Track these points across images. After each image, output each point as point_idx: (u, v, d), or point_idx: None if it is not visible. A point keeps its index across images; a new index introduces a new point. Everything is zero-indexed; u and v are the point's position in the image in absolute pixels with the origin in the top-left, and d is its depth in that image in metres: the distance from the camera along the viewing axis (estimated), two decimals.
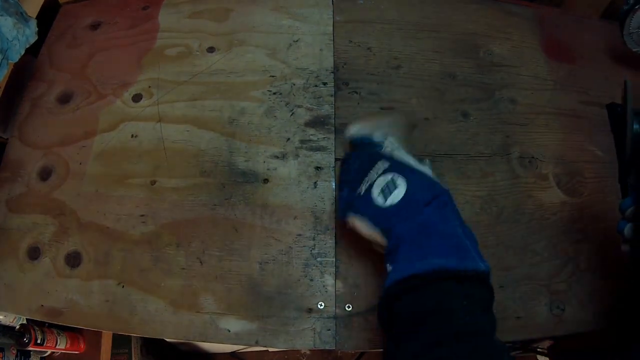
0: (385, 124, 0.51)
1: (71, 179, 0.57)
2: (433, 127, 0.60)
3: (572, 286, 0.53)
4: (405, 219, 0.39)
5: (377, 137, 0.48)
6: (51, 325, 0.96)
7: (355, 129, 0.49)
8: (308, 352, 1.28)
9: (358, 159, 0.46)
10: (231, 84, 0.62)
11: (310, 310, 0.50)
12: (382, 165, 0.43)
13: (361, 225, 0.43)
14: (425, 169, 0.44)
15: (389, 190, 0.41)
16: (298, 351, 1.27)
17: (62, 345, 0.97)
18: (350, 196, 0.44)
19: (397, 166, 0.42)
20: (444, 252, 0.36)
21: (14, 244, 0.54)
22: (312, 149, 0.57)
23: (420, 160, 0.47)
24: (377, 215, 0.41)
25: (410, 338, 0.35)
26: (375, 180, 0.42)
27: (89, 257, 0.53)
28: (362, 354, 1.15)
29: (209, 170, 0.56)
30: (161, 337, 0.52)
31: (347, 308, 0.50)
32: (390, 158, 0.44)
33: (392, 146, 0.46)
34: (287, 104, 0.60)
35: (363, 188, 0.43)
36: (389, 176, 0.41)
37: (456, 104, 0.62)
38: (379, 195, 0.41)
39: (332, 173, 0.56)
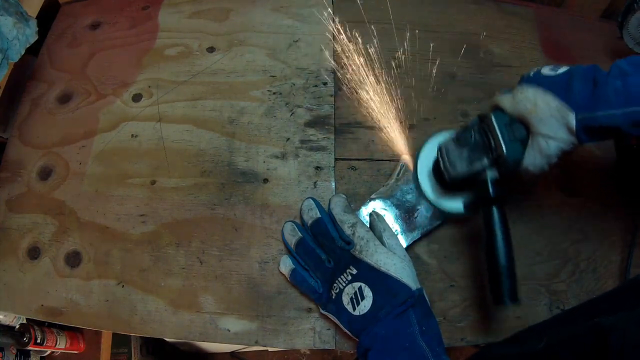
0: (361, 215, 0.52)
1: (71, 179, 0.57)
2: (433, 127, 0.60)
3: (572, 286, 0.53)
4: (370, 330, 0.42)
5: (346, 229, 0.47)
6: (51, 325, 0.96)
7: (338, 208, 0.49)
8: (308, 352, 1.28)
9: (332, 257, 0.47)
10: (231, 84, 0.62)
11: (310, 310, 0.50)
12: (350, 272, 0.45)
13: (335, 322, 0.47)
14: (398, 249, 0.46)
15: (357, 301, 0.44)
16: (298, 351, 1.27)
17: (62, 344, 0.97)
18: (325, 296, 0.47)
19: (364, 273, 0.44)
20: None
21: (14, 243, 0.54)
22: (312, 149, 0.58)
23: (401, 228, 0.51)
24: (349, 322, 0.44)
25: None
26: (344, 288, 0.45)
27: (89, 256, 0.53)
28: None
29: (209, 170, 0.56)
30: (161, 337, 0.52)
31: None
32: (358, 261, 0.45)
33: (361, 243, 0.46)
34: (287, 104, 0.60)
35: (333, 293, 0.46)
36: (356, 285, 0.44)
37: (456, 104, 0.62)
38: (348, 304, 0.44)
39: (332, 173, 0.56)
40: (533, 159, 0.43)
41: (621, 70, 0.38)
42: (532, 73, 0.44)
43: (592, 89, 0.39)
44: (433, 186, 0.51)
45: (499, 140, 0.43)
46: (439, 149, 0.47)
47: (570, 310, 0.48)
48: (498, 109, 0.45)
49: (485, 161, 0.44)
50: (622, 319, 0.34)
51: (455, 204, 0.50)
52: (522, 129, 0.43)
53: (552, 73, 0.42)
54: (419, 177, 0.51)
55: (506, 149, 0.43)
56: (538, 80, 0.42)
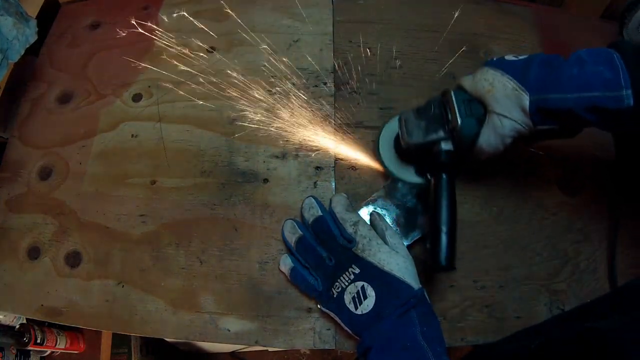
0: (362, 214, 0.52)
1: (71, 178, 0.57)
2: None
3: (572, 286, 0.53)
4: (372, 330, 0.43)
5: (348, 228, 0.47)
6: (51, 325, 0.96)
7: (339, 207, 0.49)
8: (308, 352, 1.28)
9: (333, 255, 0.47)
10: (231, 84, 0.62)
11: (310, 310, 0.50)
12: (352, 271, 0.45)
13: (335, 319, 0.47)
14: (400, 248, 0.46)
15: (360, 300, 0.44)
16: (298, 351, 1.27)
17: (62, 344, 0.97)
18: (325, 295, 0.47)
19: (367, 272, 0.45)
20: None
21: (14, 243, 0.54)
22: (312, 149, 0.57)
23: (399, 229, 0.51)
24: (350, 321, 0.45)
25: None
26: (346, 287, 0.45)
27: (89, 257, 0.53)
28: None
29: (209, 170, 0.56)
30: (161, 337, 0.52)
31: None
32: (361, 260, 0.45)
33: (363, 242, 0.46)
34: (287, 104, 0.60)
35: (335, 292, 0.46)
36: (359, 284, 0.44)
37: None
38: (350, 303, 0.44)
39: (332, 173, 0.56)
40: (488, 137, 0.45)
41: (579, 59, 0.40)
42: (495, 58, 0.46)
43: (548, 73, 0.41)
44: (393, 157, 0.54)
45: (456, 114, 0.46)
46: (399, 119, 0.50)
47: (568, 313, 0.48)
48: (460, 88, 0.47)
49: (441, 133, 0.47)
50: (618, 323, 0.34)
51: (409, 174, 0.53)
52: (479, 107, 0.46)
53: (513, 58, 0.44)
54: (380, 147, 0.54)
55: (461, 123, 0.45)
56: (499, 64, 0.44)
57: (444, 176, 0.47)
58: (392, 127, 0.55)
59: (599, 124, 0.41)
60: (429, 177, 0.49)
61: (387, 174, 0.55)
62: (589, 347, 0.34)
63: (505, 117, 0.43)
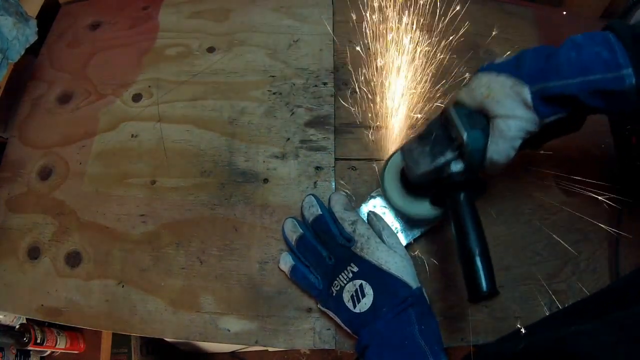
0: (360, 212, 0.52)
1: (71, 178, 0.57)
2: None
3: (572, 286, 0.53)
4: (370, 328, 0.43)
5: (347, 227, 0.47)
6: (51, 325, 0.96)
7: (338, 206, 0.49)
8: (308, 352, 1.28)
9: (333, 254, 0.48)
10: (231, 84, 0.62)
11: (310, 310, 0.50)
12: (351, 269, 0.45)
13: (334, 318, 0.47)
14: (398, 248, 0.46)
15: (358, 298, 0.44)
16: (298, 351, 1.27)
17: (62, 344, 0.97)
18: (325, 293, 0.47)
19: (365, 271, 0.45)
20: None
21: (14, 243, 0.54)
22: (312, 149, 0.58)
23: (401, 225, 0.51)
24: (349, 319, 0.45)
25: None
26: (345, 286, 0.45)
27: (89, 256, 0.53)
28: None
29: (209, 170, 0.56)
30: (161, 337, 0.52)
31: None
32: (359, 259, 0.45)
33: (361, 241, 0.46)
34: (287, 104, 0.60)
35: (334, 290, 0.46)
36: (357, 283, 0.44)
37: None
38: (348, 301, 0.45)
39: (332, 173, 0.56)
40: (496, 145, 0.42)
41: (575, 43, 0.38)
42: (485, 64, 0.44)
43: (544, 61, 0.39)
44: (401, 193, 0.50)
45: (459, 130, 0.42)
46: (402, 150, 0.46)
47: (561, 311, 0.48)
48: (458, 103, 0.45)
49: (449, 154, 0.43)
50: (595, 326, 0.34)
51: (424, 208, 0.49)
52: (481, 118, 0.43)
53: (503, 59, 0.43)
54: (386, 185, 0.50)
55: (467, 137, 0.42)
56: (490, 67, 0.42)
57: (462, 196, 0.43)
58: (394, 164, 0.51)
59: (606, 109, 0.38)
60: (447, 204, 0.45)
61: (399, 215, 0.52)
62: (564, 352, 0.33)
63: (510, 117, 0.40)
